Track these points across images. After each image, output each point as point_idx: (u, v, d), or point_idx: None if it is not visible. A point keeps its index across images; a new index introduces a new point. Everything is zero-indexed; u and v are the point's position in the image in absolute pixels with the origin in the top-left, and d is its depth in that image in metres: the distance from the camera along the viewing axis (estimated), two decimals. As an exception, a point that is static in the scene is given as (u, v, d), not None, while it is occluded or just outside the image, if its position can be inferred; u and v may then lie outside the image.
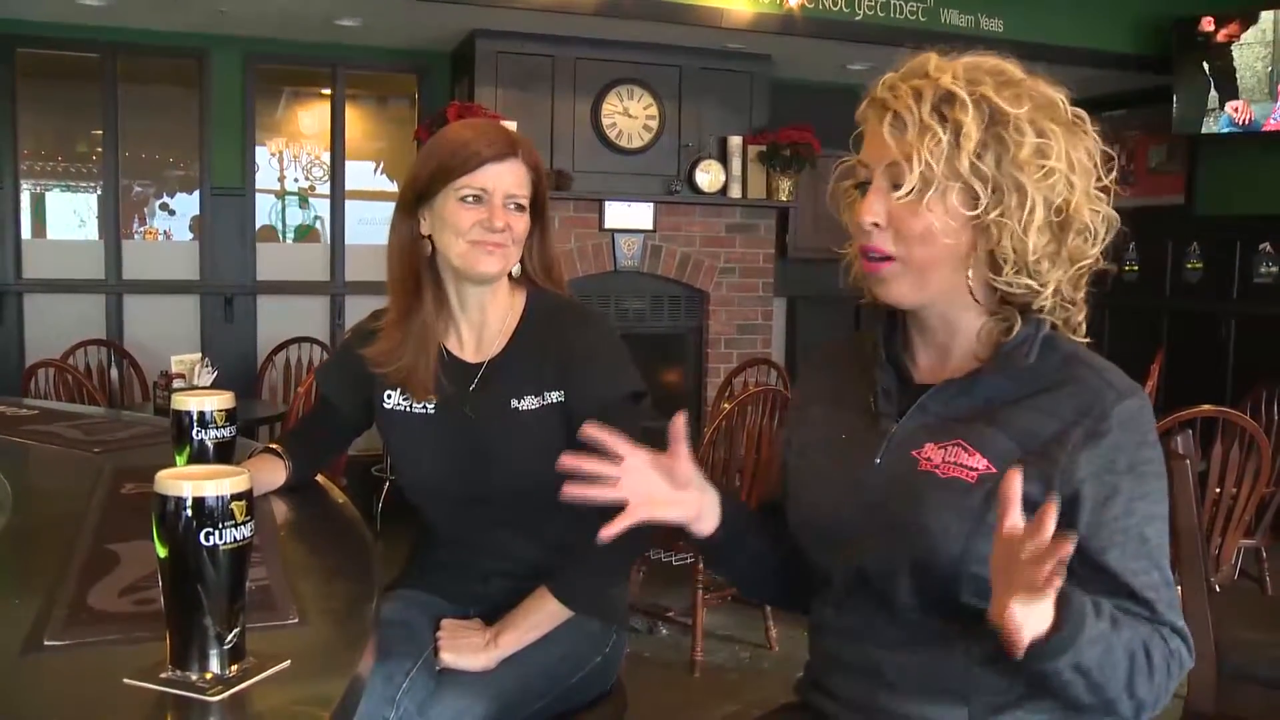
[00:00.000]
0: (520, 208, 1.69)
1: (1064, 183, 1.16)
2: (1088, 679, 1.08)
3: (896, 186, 1.17)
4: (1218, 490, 3.19)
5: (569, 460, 1.20)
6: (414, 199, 1.70)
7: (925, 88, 1.15)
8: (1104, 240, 1.20)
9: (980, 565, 1.13)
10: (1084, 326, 1.24)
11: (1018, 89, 1.16)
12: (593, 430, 1.22)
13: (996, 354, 1.21)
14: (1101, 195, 1.20)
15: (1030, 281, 1.17)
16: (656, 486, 1.24)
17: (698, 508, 1.29)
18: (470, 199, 1.65)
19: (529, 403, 1.70)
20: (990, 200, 1.15)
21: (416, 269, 1.72)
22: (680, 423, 1.22)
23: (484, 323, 1.75)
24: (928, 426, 1.23)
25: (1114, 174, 1.22)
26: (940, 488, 1.18)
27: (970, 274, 1.19)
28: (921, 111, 1.14)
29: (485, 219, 1.65)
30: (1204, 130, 5.84)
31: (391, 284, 1.75)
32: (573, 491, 1.21)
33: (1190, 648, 1.16)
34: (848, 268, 1.31)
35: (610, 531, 1.19)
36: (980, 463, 1.17)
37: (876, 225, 1.19)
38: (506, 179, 1.67)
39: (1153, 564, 1.16)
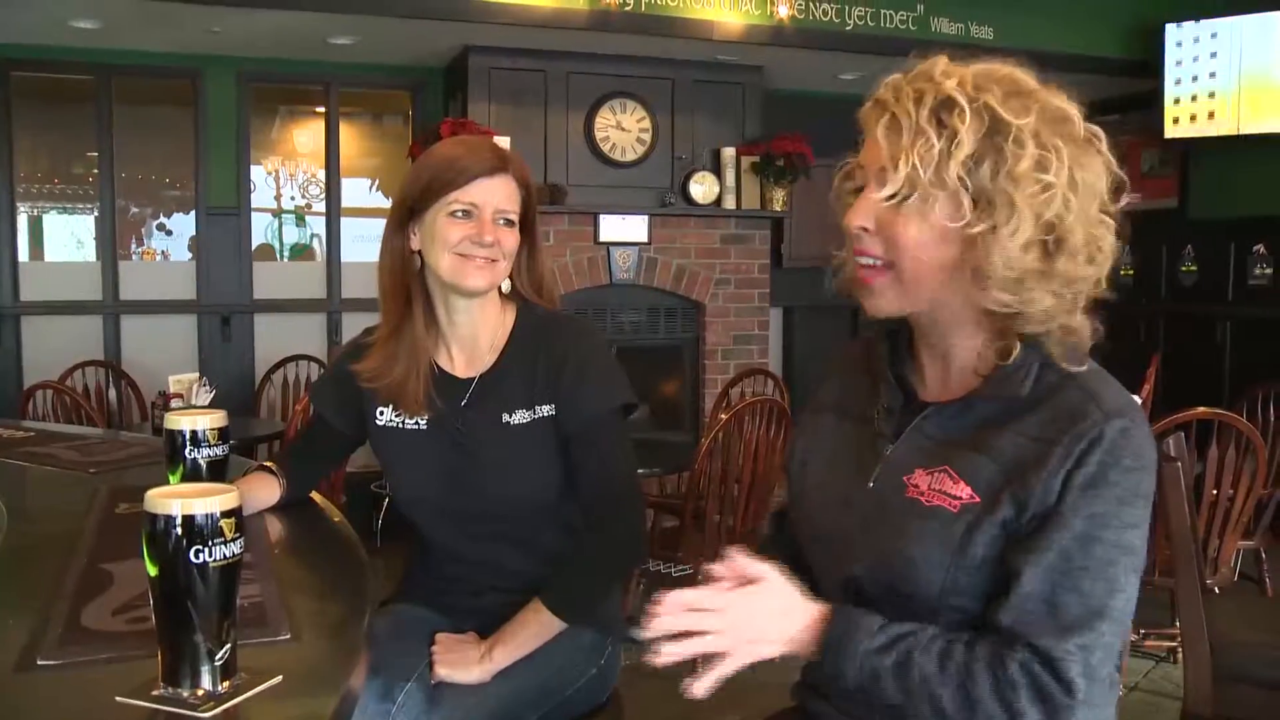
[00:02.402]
0: (510, 223, 1.70)
1: (1060, 201, 1.11)
2: (880, 696, 1.12)
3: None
4: (1214, 492, 3.19)
5: (654, 630, 1.13)
6: (404, 214, 1.71)
7: (927, 91, 1.12)
8: (1102, 265, 1.16)
9: (960, 597, 1.14)
10: (1087, 359, 1.18)
11: (1026, 100, 1.12)
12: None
13: (993, 377, 1.18)
14: (1105, 219, 1.16)
15: (1011, 299, 1.13)
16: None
17: None
18: (460, 214, 1.66)
19: (520, 416, 1.71)
20: (977, 213, 1.11)
21: (407, 284, 1.73)
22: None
23: (474, 338, 1.76)
24: (922, 450, 1.21)
25: (1124, 200, 1.17)
26: (924, 517, 1.16)
27: (957, 289, 1.16)
28: (919, 116, 1.11)
29: (475, 233, 1.65)
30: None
31: (383, 299, 1.76)
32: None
33: (1067, 686, 1.06)
34: (837, 269, 1.27)
35: (702, 688, 1.16)
36: (964, 491, 1.14)
37: (865, 229, 1.17)
38: (496, 194, 1.68)
39: (1068, 586, 1.08)
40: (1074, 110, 1.16)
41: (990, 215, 1.11)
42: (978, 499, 1.13)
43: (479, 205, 1.66)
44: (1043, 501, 1.10)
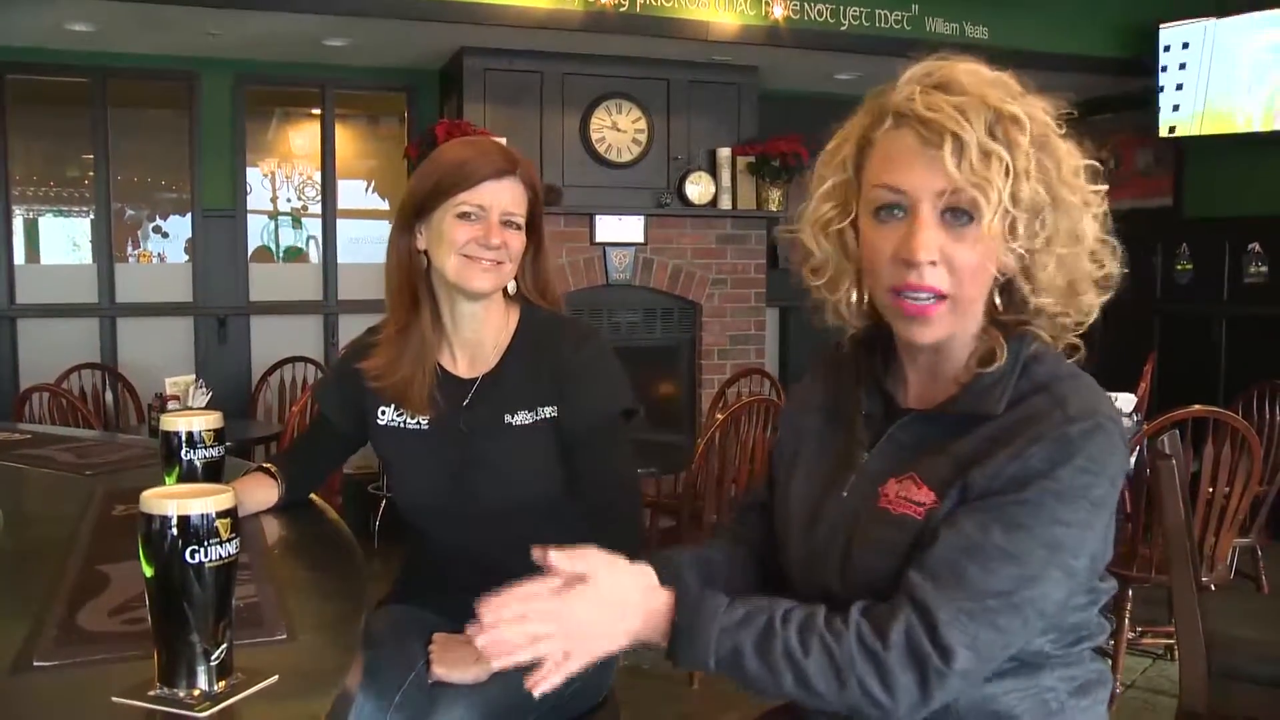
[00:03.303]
0: (517, 225, 1.70)
1: (1099, 198, 1.11)
2: (743, 676, 1.09)
3: (954, 214, 1.07)
4: (1210, 490, 3.20)
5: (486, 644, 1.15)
6: (412, 214, 1.72)
7: (969, 105, 1.06)
8: (1116, 257, 1.14)
9: None
10: (1074, 338, 1.16)
11: (1034, 102, 1.10)
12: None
13: (971, 386, 1.14)
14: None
15: (1059, 305, 1.11)
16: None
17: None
18: (467, 215, 1.67)
19: (522, 418, 1.71)
20: (1034, 225, 1.07)
21: (414, 283, 1.74)
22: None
23: (478, 339, 1.77)
24: (896, 458, 1.18)
25: (1104, 186, 1.14)
26: (889, 524, 1.13)
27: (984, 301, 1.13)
28: (978, 133, 1.05)
29: (481, 235, 1.66)
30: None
31: (389, 298, 1.77)
32: None
33: (944, 651, 1.02)
34: (819, 306, 1.23)
35: (543, 688, 1.15)
36: (928, 497, 1.11)
37: (933, 263, 1.08)
38: (504, 197, 1.68)
39: (978, 560, 1.04)
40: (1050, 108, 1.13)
41: (1046, 226, 1.08)
42: (939, 504, 1.10)
43: (486, 207, 1.67)
44: (985, 487, 1.07)
